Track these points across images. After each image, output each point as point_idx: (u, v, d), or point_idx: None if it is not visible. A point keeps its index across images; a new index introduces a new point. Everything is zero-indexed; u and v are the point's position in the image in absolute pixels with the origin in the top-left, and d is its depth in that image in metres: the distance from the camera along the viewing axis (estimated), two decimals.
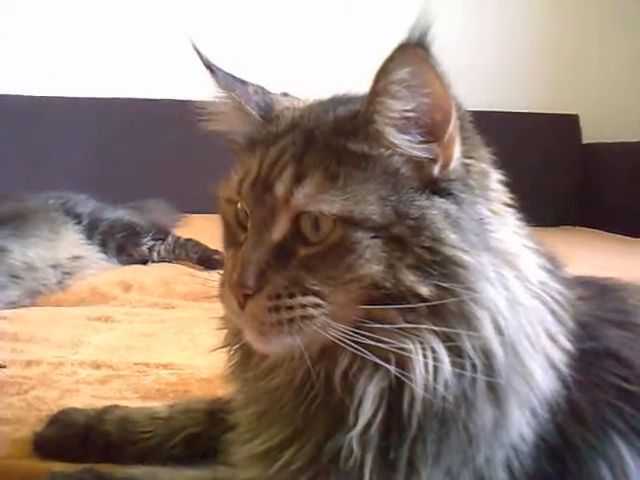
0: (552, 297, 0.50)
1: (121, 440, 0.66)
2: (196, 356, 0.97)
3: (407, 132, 0.46)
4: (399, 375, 0.44)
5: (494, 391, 0.45)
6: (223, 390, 0.85)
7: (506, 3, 2.42)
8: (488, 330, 0.44)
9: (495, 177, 0.51)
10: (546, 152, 2.28)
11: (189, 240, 1.57)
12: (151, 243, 1.53)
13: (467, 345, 0.44)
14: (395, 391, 0.45)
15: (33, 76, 2.28)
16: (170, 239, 1.56)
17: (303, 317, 0.45)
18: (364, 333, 0.44)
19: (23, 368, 0.90)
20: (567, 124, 2.39)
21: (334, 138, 0.47)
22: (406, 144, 0.46)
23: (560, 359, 0.49)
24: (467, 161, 0.48)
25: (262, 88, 0.56)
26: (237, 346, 0.57)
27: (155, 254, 1.53)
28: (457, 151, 0.47)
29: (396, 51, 0.42)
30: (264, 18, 2.30)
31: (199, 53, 0.50)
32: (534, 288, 0.49)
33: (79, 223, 1.46)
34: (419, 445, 0.45)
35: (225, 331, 0.61)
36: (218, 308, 1.33)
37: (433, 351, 0.44)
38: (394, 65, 0.43)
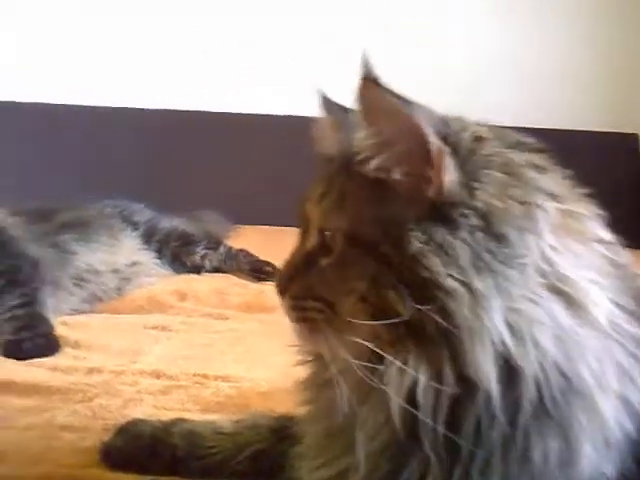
0: (627, 334, 0.48)
1: (187, 454, 0.66)
2: (254, 369, 0.98)
3: (387, 158, 0.47)
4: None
5: (529, 426, 0.44)
6: (284, 405, 0.86)
7: (565, 21, 2.38)
8: (478, 357, 0.43)
9: (542, 201, 0.47)
10: (603, 171, 2.22)
11: (241, 251, 1.59)
12: (204, 252, 1.55)
13: (447, 371, 0.44)
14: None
15: (94, 86, 2.34)
16: (222, 249, 1.58)
17: (312, 319, 0.50)
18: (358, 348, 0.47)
19: (85, 375, 0.92)
20: (626, 143, 2.33)
21: (352, 163, 0.49)
22: (392, 170, 0.47)
23: (637, 399, 0.47)
24: (474, 184, 0.46)
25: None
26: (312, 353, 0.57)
27: (207, 263, 1.55)
28: (450, 175, 0.46)
29: (357, 88, 0.46)
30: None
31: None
32: (600, 323, 0.46)
33: (136, 230, 1.48)
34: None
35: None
36: (272, 320, 1.35)
37: (411, 370, 0.45)
38: (356, 101, 0.47)
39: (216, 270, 1.56)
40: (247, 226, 1.95)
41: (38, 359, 0.98)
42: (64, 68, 2.38)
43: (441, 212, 0.46)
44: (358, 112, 0.47)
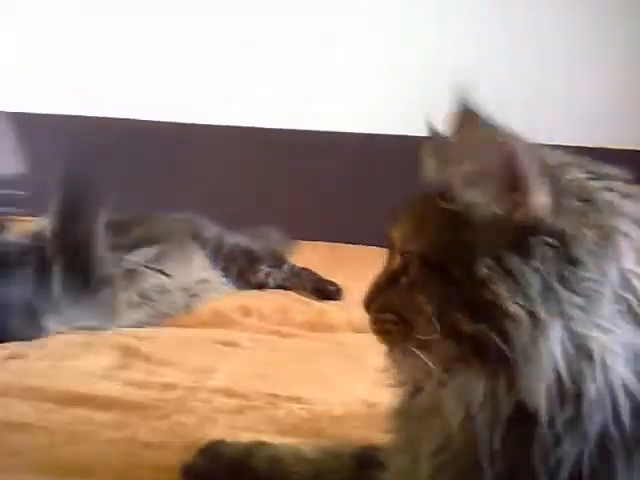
0: None
1: (269, 478, 0.66)
2: (324, 391, 0.97)
3: (479, 190, 0.49)
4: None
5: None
6: (359, 431, 0.85)
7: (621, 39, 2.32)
8: (532, 383, 0.45)
9: (626, 227, 0.47)
10: None
11: (304, 269, 1.59)
12: (267, 270, 1.56)
13: (502, 391, 0.46)
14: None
15: (169, 103, 2.41)
16: (286, 267, 1.59)
17: (388, 332, 0.53)
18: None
19: (160, 391, 0.93)
20: None
21: (434, 196, 0.52)
22: (480, 201, 0.48)
23: None
24: (559, 209, 0.47)
25: None
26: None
27: (271, 281, 1.55)
28: (542, 199, 0.47)
29: (451, 121, 0.48)
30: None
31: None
32: None
33: (205, 247, 1.50)
34: None
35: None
36: (336, 340, 1.33)
37: (471, 386, 0.47)
38: (452, 134, 0.49)
39: (279, 287, 1.56)
40: (303, 242, 1.96)
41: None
42: (119, 83, 2.46)
43: (517, 239, 0.47)
44: (453, 143, 0.50)
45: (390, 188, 2.24)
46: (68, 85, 2.50)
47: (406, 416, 0.56)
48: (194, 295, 1.39)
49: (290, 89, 2.37)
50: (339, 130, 2.24)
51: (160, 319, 1.32)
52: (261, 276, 1.54)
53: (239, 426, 0.84)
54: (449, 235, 0.50)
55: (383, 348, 0.55)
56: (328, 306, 1.45)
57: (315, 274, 1.57)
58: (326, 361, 1.14)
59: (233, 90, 2.40)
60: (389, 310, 0.53)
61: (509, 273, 0.46)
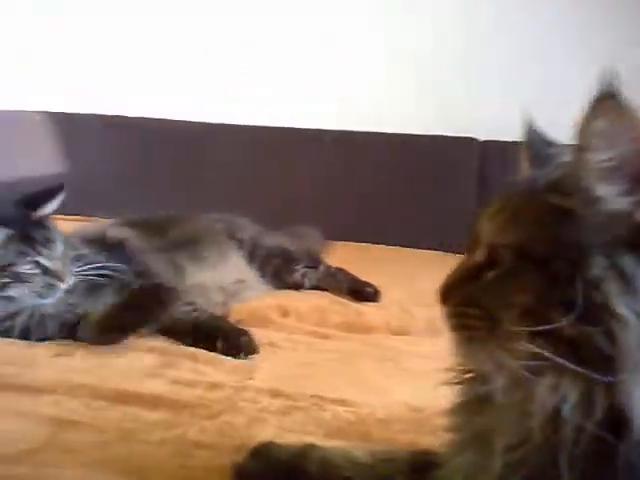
0: None
1: None
2: (368, 394, 0.97)
3: (612, 183, 0.46)
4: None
5: None
6: (405, 435, 0.84)
7: None
8: (635, 391, 0.43)
9: None
10: None
11: (340, 270, 1.59)
12: (303, 270, 1.56)
13: (598, 397, 0.44)
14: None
15: (194, 103, 2.43)
16: (322, 267, 1.58)
17: (471, 327, 0.51)
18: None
19: (207, 390, 0.93)
20: None
21: (539, 191, 0.50)
22: (610, 196, 0.46)
23: None
24: None
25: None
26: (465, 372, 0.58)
27: (307, 281, 1.55)
28: None
29: (590, 106, 0.45)
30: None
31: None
32: None
33: (241, 247, 1.51)
34: None
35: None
36: (374, 341, 1.33)
37: (562, 388, 0.46)
38: (589, 120, 0.45)
39: (314, 288, 1.56)
40: (337, 242, 1.95)
41: None
42: (157, 84, 2.48)
43: (634, 240, 0.45)
44: (587, 131, 0.46)
45: (423, 189, 2.23)
46: (97, 85, 2.54)
47: (474, 413, 0.55)
48: (231, 294, 1.40)
49: (324, 89, 2.37)
50: (374, 130, 2.24)
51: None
52: (297, 276, 1.54)
53: (286, 427, 0.84)
54: (555, 230, 0.48)
55: (456, 342, 0.54)
56: (365, 307, 1.44)
57: (351, 275, 1.56)
58: (366, 363, 1.13)
59: (267, 89, 2.41)
60: (471, 304, 0.51)
61: (622, 275, 0.45)
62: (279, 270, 1.53)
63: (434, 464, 0.62)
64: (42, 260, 1.10)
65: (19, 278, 1.07)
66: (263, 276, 1.50)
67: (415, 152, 2.19)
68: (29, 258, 1.08)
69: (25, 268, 1.08)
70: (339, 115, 2.33)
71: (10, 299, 1.08)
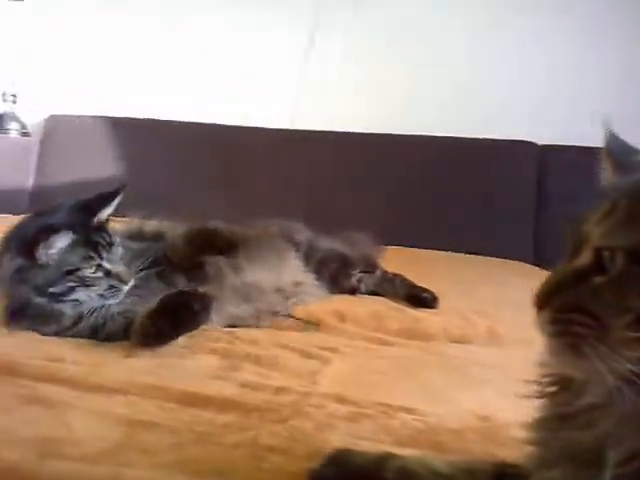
0: None
1: None
2: (435, 403, 0.95)
3: None
4: None
5: None
6: (478, 445, 0.83)
7: None
8: None
9: None
10: None
11: (397, 275, 1.57)
12: (360, 275, 1.55)
13: None
14: None
15: (255, 107, 2.45)
16: (378, 272, 1.57)
17: (574, 334, 0.49)
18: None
19: (274, 394, 0.93)
20: None
21: None
22: None
23: None
24: None
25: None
26: (552, 382, 0.56)
27: (363, 286, 1.55)
28: None
29: None
30: None
31: None
32: None
33: (298, 250, 1.51)
34: None
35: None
36: (434, 349, 1.31)
37: None
38: None
39: (370, 293, 1.55)
40: (388, 247, 1.94)
41: None
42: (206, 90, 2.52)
43: None
44: None
45: (481, 193, 2.20)
46: (153, 91, 2.59)
47: (566, 428, 0.53)
48: (288, 297, 1.40)
49: (391, 95, 2.36)
50: (430, 134, 2.22)
51: (257, 320, 1.33)
52: (353, 281, 1.54)
53: (356, 434, 0.83)
54: None
55: (555, 350, 0.52)
56: (422, 314, 1.43)
57: (408, 280, 1.55)
58: (429, 371, 1.12)
59: (325, 95, 2.41)
60: (577, 309, 0.50)
61: None
62: (336, 274, 1.52)
63: (516, 477, 0.60)
64: (105, 264, 1.12)
65: (84, 282, 1.10)
66: (319, 279, 1.50)
67: (474, 156, 2.16)
68: (93, 262, 1.11)
69: (89, 272, 1.11)
70: (403, 118, 2.32)
71: (76, 302, 1.10)
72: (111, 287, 1.13)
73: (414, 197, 2.20)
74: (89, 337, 1.10)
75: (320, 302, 1.44)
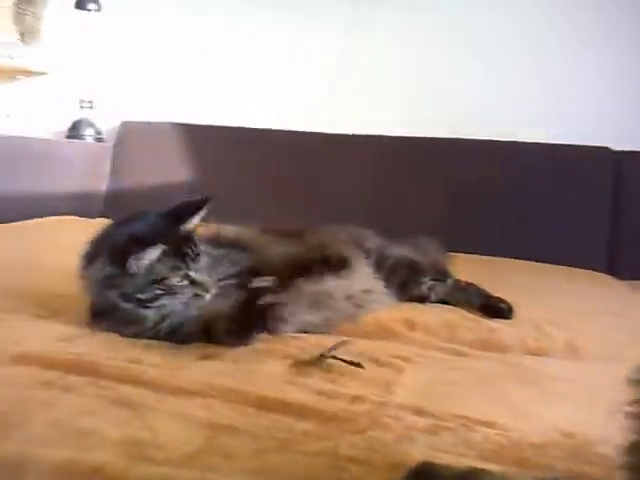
0: None
1: None
2: (516, 417, 0.92)
3: None
4: None
5: None
6: (563, 462, 0.79)
7: None
8: None
9: None
10: None
11: (470, 285, 1.54)
12: (430, 283, 1.52)
13: None
14: None
15: (316, 113, 2.47)
16: (450, 281, 1.54)
17: None
18: None
19: (350, 403, 0.92)
20: None
21: None
22: None
23: None
24: None
25: None
26: None
27: (433, 295, 1.52)
28: None
29: None
30: None
31: None
32: None
33: (368, 257, 1.49)
34: None
35: None
36: (511, 362, 1.27)
37: None
38: None
39: (440, 302, 1.52)
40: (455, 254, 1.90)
41: None
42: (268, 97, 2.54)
43: None
44: None
45: (554, 200, 2.13)
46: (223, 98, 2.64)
47: None
48: (358, 305, 1.38)
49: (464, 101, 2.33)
50: (498, 139, 2.18)
51: (327, 327, 1.32)
52: (424, 289, 1.51)
53: (436, 447, 0.81)
54: None
55: None
56: (496, 324, 1.39)
57: (482, 290, 1.51)
58: (505, 383, 1.08)
59: (391, 101, 2.40)
60: None
61: None
62: (406, 281, 1.50)
63: None
64: (191, 273, 1.14)
65: (170, 290, 1.12)
66: (388, 287, 1.48)
67: (547, 162, 2.10)
68: (180, 272, 1.13)
69: (176, 281, 1.13)
70: (475, 125, 2.28)
71: (160, 307, 1.13)
72: (195, 295, 1.15)
73: (479, 204, 2.16)
74: (166, 339, 1.12)
75: (389, 310, 1.42)
